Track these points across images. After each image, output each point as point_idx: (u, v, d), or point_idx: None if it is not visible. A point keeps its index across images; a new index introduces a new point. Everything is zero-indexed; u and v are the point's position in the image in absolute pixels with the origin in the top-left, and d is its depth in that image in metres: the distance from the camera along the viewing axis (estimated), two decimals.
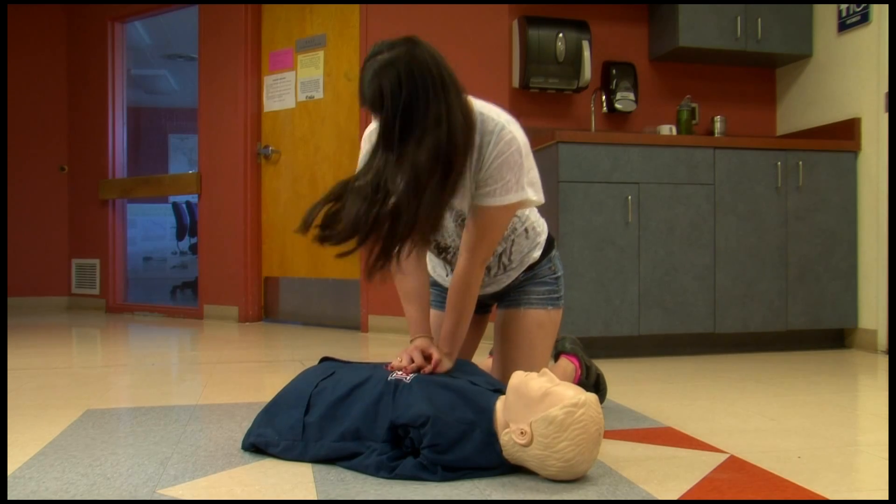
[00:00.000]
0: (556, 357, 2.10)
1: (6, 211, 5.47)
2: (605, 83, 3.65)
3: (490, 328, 2.16)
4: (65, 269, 5.64)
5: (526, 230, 1.85)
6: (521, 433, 1.37)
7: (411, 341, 1.70)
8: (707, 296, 3.18)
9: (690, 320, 3.17)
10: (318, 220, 1.50)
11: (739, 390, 2.40)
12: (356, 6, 4.13)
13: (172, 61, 7.77)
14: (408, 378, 1.54)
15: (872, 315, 3.29)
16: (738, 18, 3.53)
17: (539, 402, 1.36)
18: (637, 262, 3.11)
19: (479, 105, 1.64)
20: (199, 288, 4.90)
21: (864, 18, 3.33)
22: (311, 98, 4.35)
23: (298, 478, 1.43)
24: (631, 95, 3.62)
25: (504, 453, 1.42)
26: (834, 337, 3.44)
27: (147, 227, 9.60)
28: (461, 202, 1.68)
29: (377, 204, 1.43)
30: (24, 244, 5.56)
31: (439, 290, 1.98)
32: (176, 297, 6.71)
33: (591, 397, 1.38)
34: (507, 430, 1.41)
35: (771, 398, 2.27)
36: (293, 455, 1.53)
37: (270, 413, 1.63)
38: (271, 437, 1.57)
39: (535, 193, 1.70)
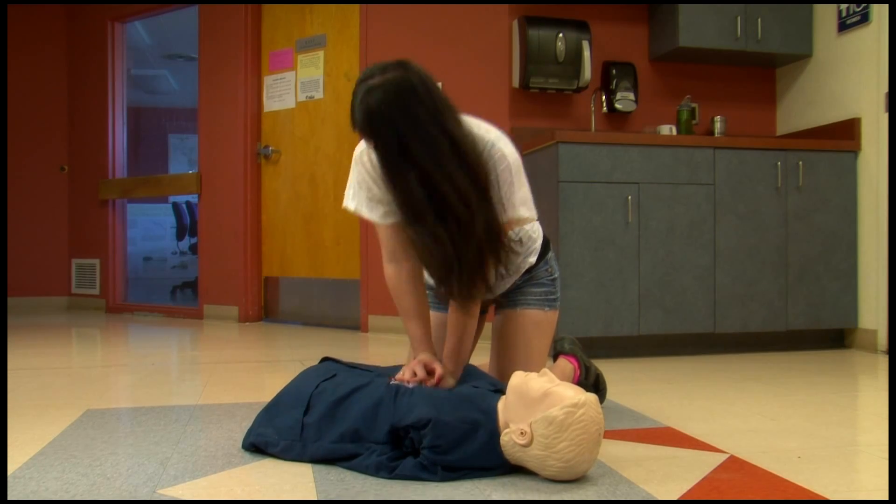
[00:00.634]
0: (554, 357, 2.10)
1: (6, 211, 5.47)
2: (605, 83, 3.65)
3: (488, 329, 2.16)
4: (65, 269, 5.64)
5: (520, 240, 1.85)
6: (521, 433, 1.37)
7: (414, 357, 1.70)
8: (707, 296, 3.18)
9: (690, 320, 3.17)
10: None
11: (739, 390, 2.40)
12: (356, 6, 4.13)
13: (172, 61, 7.77)
14: (410, 384, 1.55)
15: (872, 315, 3.29)
16: (738, 18, 3.53)
17: (539, 403, 1.36)
18: (637, 262, 3.11)
19: (470, 123, 1.64)
20: (199, 288, 4.90)
21: (864, 18, 3.33)
22: (311, 98, 4.35)
23: (298, 478, 1.43)
24: (631, 95, 3.62)
25: (504, 453, 1.42)
26: (834, 337, 3.44)
27: (147, 227, 9.60)
28: None
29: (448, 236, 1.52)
30: (24, 244, 5.56)
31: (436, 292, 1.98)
32: (176, 297, 6.71)
33: (591, 397, 1.38)
34: (506, 430, 1.41)
35: (771, 398, 2.27)
36: (293, 455, 1.53)
37: (271, 413, 1.63)
38: (271, 436, 1.57)
39: (527, 211, 1.72)
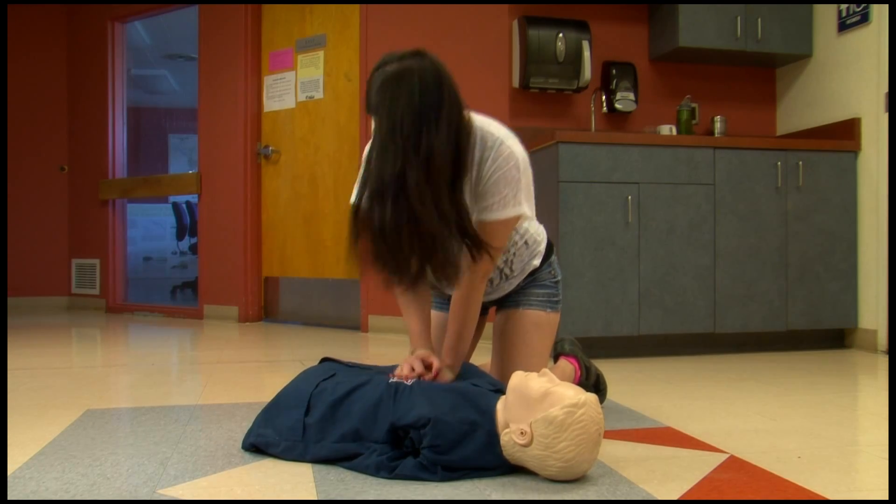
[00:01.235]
0: (555, 358, 2.10)
1: (6, 211, 5.47)
2: (605, 83, 3.65)
3: (489, 329, 2.16)
4: (65, 269, 5.64)
5: (526, 242, 1.86)
6: (521, 433, 1.37)
7: (412, 352, 1.70)
8: (707, 296, 3.18)
9: (690, 320, 3.17)
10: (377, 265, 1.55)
11: (739, 390, 2.40)
12: (356, 6, 4.13)
13: (172, 61, 7.77)
14: (409, 381, 1.54)
15: (872, 315, 3.29)
16: (738, 18, 3.53)
17: (539, 403, 1.36)
18: (637, 262, 3.11)
19: (480, 120, 1.66)
20: (199, 288, 4.90)
21: (864, 18, 3.33)
22: (311, 98, 4.35)
23: (298, 478, 1.43)
24: (631, 95, 3.62)
25: (504, 453, 1.42)
26: (834, 337, 3.44)
27: (147, 227, 9.59)
28: None
29: (397, 209, 1.47)
30: (24, 244, 5.56)
31: (438, 291, 1.98)
32: (176, 297, 6.71)
33: (591, 397, 1.38)
34: (507, 430, 1.41)
35: (771, 398, 2.27)
36: (293, 455, 1.53)
37: (271, 413, 1.63)
38: (271, 437, 1.57)
39: (530, 209, 1.72)
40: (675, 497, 1.33)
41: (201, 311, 4.82)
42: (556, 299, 1.93)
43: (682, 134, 3.58)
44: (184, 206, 7.44)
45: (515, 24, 3.53)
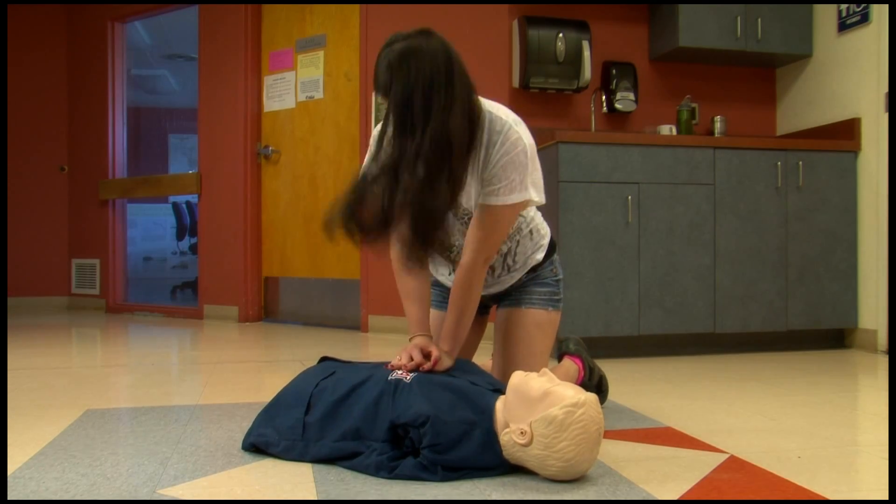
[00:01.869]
0: (559, 358, 2.10)
1: (6, 211, 5.47)
2: (605, 83, 3.65)
3: (490, 329, 2.16)
4: (65, 269, 5.64)
5: (531, 231, 1.86)
6: (521, 433, 1.37)
7: (410, 339, 1.70)
8: (707, 296, 3.18)
9: (690, 320, 3.17)
10: (342, 216, 1.54)
11: (739, 390, 2.40)
12: (356, 6, 4.13)
13: (172, 61, 7.77)
14: (408, 378, 1.54)
15: (872, 315, 3.29)
16: (738, 18, 3.53)
17: (539, 402, 1.36)
18: (637, 262, 3.11)
19: (489, 105, 1.66)
20: (199, 288, 4.90)
21: (864, 18, 3.33)
22: (311, 98, 4.35)
23: (298, 478, 1.43)
24: (631, 95, 3.62)
25: (504, 453, 1.42)
26: (834, 337, 3.44)
27: (147, 227, 9.59)
28: (467, 200, 1.69)
29: (399, 189, 1.48)
30: (24, 244, 5.56)
31: (441, 290, 1.98)
32: (176, 297, 6.71)
33: (591, 397, 1.38)
34: (507, 430, 1.41)
35: (771, 398, 2.27)
36: (294, 455, 1.53)
37: (271, 413, 1.63)
38: (272, 437, 1.57)
39: (537, 194, 1.72)
40: (675, 497, 1.33)
41: (201, 311, 4.82)
42: (557, 298, 1.93)
43: (682, 134, 3.58)
44: (184, 206, 7.44)
45: (515, 24, 3.53)
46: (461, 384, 1.53)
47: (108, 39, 5.38)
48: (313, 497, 1.32)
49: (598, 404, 1.39)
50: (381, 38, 4.07)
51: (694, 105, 3.69)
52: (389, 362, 1.64)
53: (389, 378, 1.55)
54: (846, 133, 3.40)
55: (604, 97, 3.63)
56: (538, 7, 3.58)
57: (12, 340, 3.68)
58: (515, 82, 3.54)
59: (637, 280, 3.10)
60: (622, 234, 3.09)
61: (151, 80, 8.52)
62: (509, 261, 1.86)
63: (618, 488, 1.37)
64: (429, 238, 1.55)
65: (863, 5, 3.33)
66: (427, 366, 1.60)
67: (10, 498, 1.31)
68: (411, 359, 1.61)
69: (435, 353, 1.63)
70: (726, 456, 1.60)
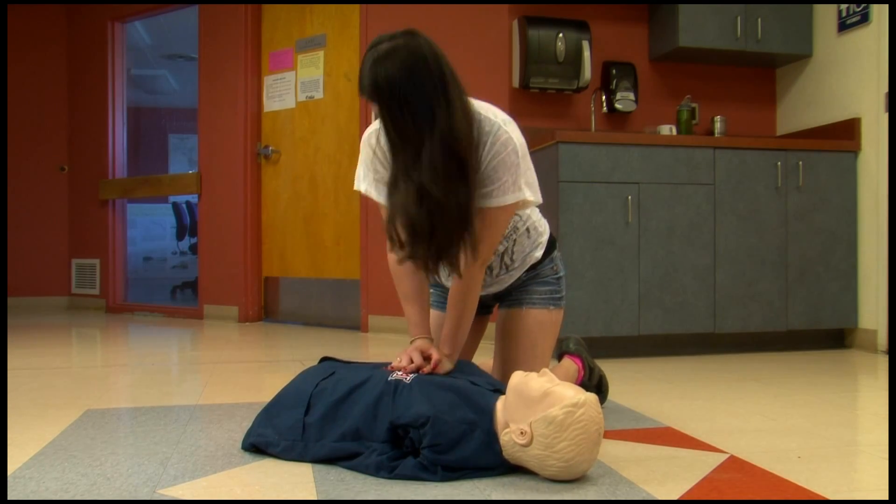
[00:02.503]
0: (559, 357, 2.10)
1: (6, 211, 5.47)
2: (605, 83, 3.65)
3: (490, 329, 2.16)
4: (65, 269, 5.64)
5: (528, 229, 1.85)
6: (521, 433, 1.37)
7: (411, 342, 1.70)
8: (707, 296, 3.18)
9: (690, 320, 3.17)
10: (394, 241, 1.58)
11: (739, 390, 2.40)
12: (356, 6, 4.13)
13: (172, 61, 7.77)
14: (408, 378, 1.54)
15: (872, 315, 3.29)
16: (738, 18, 3.53)
17: (539, 402, 1.36)
18: (637, 262, 3.11)
19: (477, 105, 1.65)
20: (199, 288, 4.90)
21: (864, 18, 3.33)
22: (311, 98, 4.35)
23: (298, 478, 1.43)
24: (631, 95, 3.62)
25: (504, 453, 1.42)
26: (834, 337, 3.44)
27: (147, 227, 9.59)
28: None
29: (422, 204, 1.50)
30: (24, 244, 5.56)
31: (440, 291, 1.98)
32: (176, 297, 6.71)
33: (591, 397, 1.37)
34: (506, 430, 1.40)
35: (771, 398, 2.27)
36: (293, 455, 1.53)
37: (270, 413, 1.63)
38: (271, 437, 1.57)
39: (532, 194, 1.71)
40: (675, 497, 1.33)
41: (201, 311, 4.82)
42: (558, 296, 1.92)
43: (682, 134, 3.58)
44: (184, 206, 7.44)
45: (515, 24, 3.53)
46: (461, 384, 1.53)
47: (108, 39, 5.38)
48: (313, 497, 1.32)
49: (598, 404, 1.39)
50: None
51: (694, 105, 3.69)
52: (390, 364, 1.64)
53: (389, 379, 1.55)
54: (846, 133, 3.40)
55: (604, 97, 3.63)
56: (538, 7, 3.58)
57: (12, 340, 3.68)
58: (515, 82, 3.54)
59: (637, 280, 3.10)
60: (622, 234, 3.09)
61: (151, 80, 8.52)
62: (507, 260, 1.85)
63: (618, 488, 1.37)
64: (457, 241, 1.56)
65: (863, 5, 3.33)
66: (427, 369, 1.60)
67: (10, 498, 1.31)
68: (411, 361, 1.61)
69: (435, 355, 1.63)
70: (726, 456, 1.60)
